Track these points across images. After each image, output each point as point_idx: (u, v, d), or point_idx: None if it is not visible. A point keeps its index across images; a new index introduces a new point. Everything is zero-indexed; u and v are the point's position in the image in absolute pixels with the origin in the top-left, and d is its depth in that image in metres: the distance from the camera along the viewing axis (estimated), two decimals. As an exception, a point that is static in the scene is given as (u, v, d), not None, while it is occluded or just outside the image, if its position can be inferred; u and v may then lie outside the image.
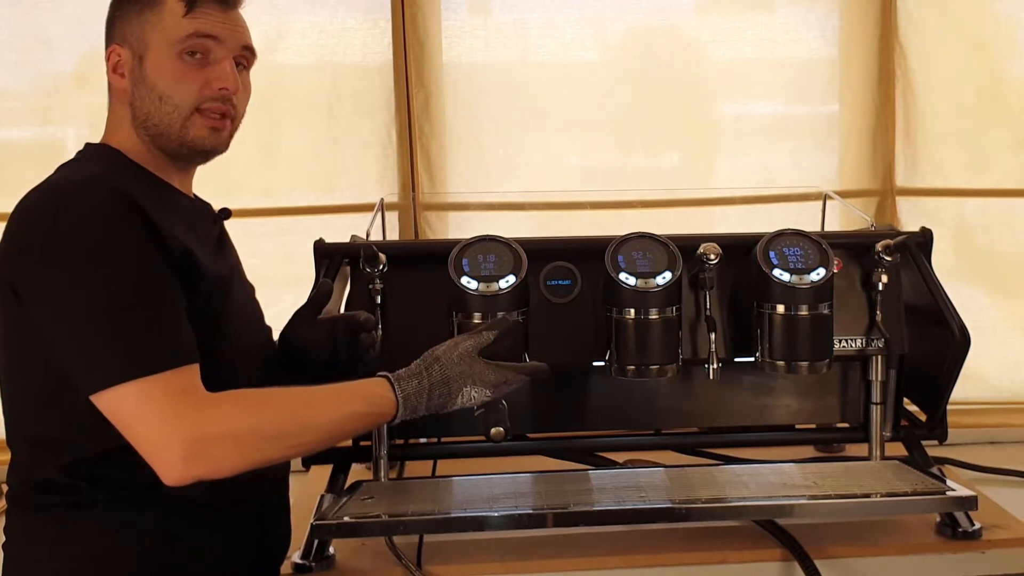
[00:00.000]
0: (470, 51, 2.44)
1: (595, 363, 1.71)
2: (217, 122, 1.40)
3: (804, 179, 2.46)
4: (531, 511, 1.56)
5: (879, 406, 1.79)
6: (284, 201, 2.42)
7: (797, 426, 1.93)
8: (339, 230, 1.91)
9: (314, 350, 1.56)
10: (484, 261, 1.61)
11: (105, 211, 1.26)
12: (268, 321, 1.59)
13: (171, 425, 1.22)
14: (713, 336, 1.67)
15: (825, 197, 2.17)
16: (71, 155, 1.44)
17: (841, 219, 2.35)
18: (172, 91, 1.38)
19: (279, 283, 2.08)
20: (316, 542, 1.57)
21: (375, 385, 1.37)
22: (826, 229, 2.10)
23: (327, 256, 1.75)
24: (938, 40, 2.45)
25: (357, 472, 1.75)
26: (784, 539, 1.59)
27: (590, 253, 1.68)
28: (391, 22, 2.39)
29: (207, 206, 1.54)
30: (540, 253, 1.71)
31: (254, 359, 1.50)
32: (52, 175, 1.37)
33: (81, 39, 2.26)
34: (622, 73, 2.50)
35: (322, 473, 1.73)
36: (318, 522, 1.53)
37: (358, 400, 1.36)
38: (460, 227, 2.44)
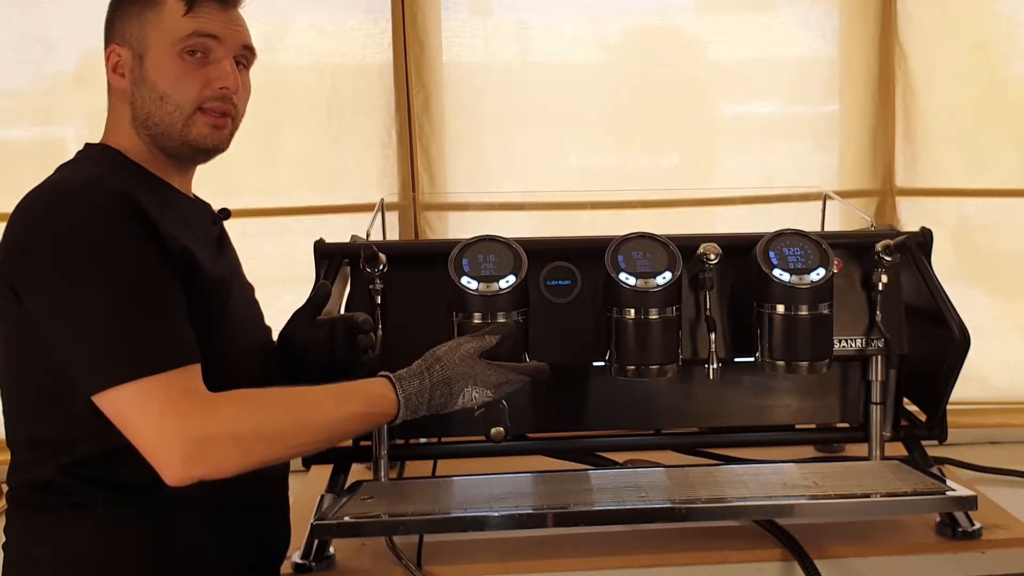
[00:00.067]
0: (470, 51, 2.44)
1: (595, 363, 1.71)
2: (219, 119, 1.41)
3: (804, 179, 2.46)
4: (531, 511, 1.56)
5: (879, 406, 1.79)
6: (284, 201, 2.42)
7: (797, 426, 1.93)
8: (339, 230, 1.91)
9: (313, 350, 1.56)
10: (484, 261, 1.61)
11: (105, 211, 1.26)
12: (268, 321, 1.59)
13: (172, 425, 1.22)
14: (713, 336, 1.67)
15: (825, 197, 2.17)
16: (71, 155, 1.44)
17: (841, 219, 2.35)
18: (173, 91, 1.38)
19: (279, 283, 2.08)
20: (316, 542, 1.57)
21: (376, 385, 1.37)
22: (826, 229, 2.10)
23: (327, 256, 1.75)
24: (938, 40, 2.45)
25: (357, 472, 1.75)
26: (784, 539, 1.59)
27: (590, 253, 1.68)
28: (391, 22, 2.39)
29: (207, 206, 1.55)
30: (540, 253, 1.71)
31: (254, 359, 1.50)
32: (52, 175, 1.37)
33: (81, 39, 2.25)
34: (622, 73, 2.50)
35: (322, 473, 1.73)
36: (318, 522, 1.53)
37: (359, 400, 1.36)
38: (460, 227, 2.44)
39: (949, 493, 1.61)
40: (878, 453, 1.80)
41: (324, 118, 2.42)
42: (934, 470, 1.72)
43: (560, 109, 2.47)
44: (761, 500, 1.60)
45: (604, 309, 1.66)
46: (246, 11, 1.45)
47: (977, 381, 2.37)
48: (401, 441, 1.79)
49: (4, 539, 1.39)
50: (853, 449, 1.99)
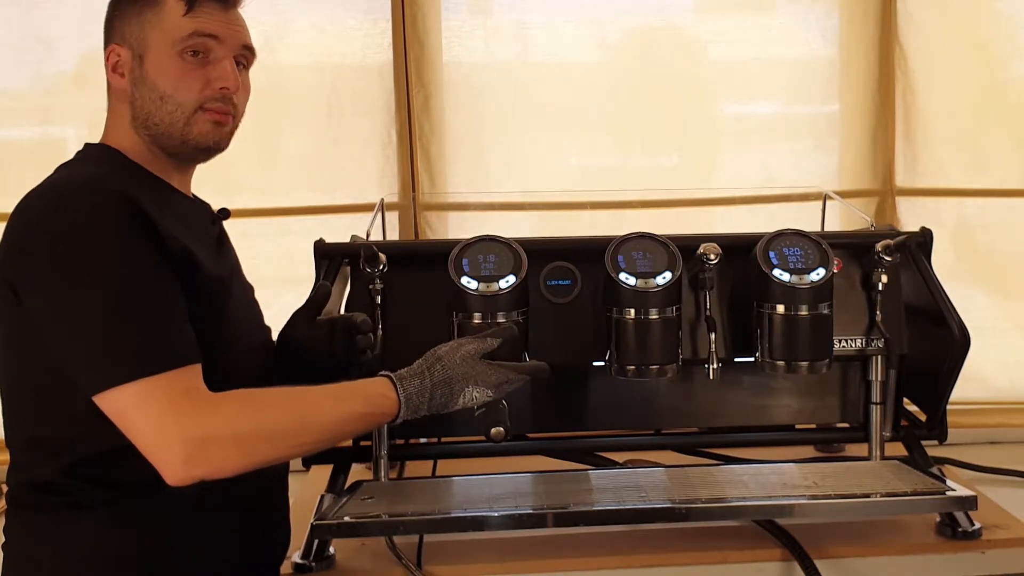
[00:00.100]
0: (470, 51, 2.44)
1: (595, 363, 1.71)
2: (219, 117, 1.41)
3: (804, 179, 2.46)
4: (531, 511, 1.56)
5: (879, 406, 1.79)
6: (284, 201, 2.42)
7: (797, 426, 1.93)
8: (339, 230, 1.91)
9: (313, 351, 1.56)
10: (484, 261, 1.61)
11: (105, 212, 1.26)
12: (268, 321, 1.59)
13: (173, 425, 1.22)
14: (713, 336, 1.67)
15: (825, 197, 2.17)
16: (71, 155, 1.44)
17: (841, 219, 2.35)
18: (173, 90, 1.38)
19: (279, 283, 2.08)
20: (316, 542, 1.57)
21: (377, 385, 1.37)
22: (826, 229, 2.10)
23: (327, 256, 1.75)
24: (938, 40, 2.45)
25: (357, 472, 1.75)
26: (784, 539, 1.59)
27: (590, 253, 1.68)
28: (391, 22, 2.39)
29: (206, 206, 1.55)
30: (540, 253, 1.71)
31: (254, 359, 1.50)
32: (51, 175, 1.37)
33: (81, 39, 2.25)
34: (622, 73, 2.50)
35: (322, 473, 1.73)
36: (318, 522, 1.53)
37: (360, 400, 1.36)
38: (460, 227, 2.44)
39: (949, 493, 1.61)
40: (878, 453, 1.80)
41: (324, 118, 2.42)
42: (934, 470, 1.72)
43: (560, 109, 2.47)
44: (761, 500, 1.60)
45: (604, 309, 1.66)
46: (246, 11, 1.44)
47: (977, 381, 2.37)
48: (401, 441, 1.79)
49: (4, 539, 1.39)
50: (853, 449, 1.99)
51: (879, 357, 1.78)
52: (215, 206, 1.56)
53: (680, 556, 1.59)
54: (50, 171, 1.39)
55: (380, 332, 1.68)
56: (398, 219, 2.43)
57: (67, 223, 1.25)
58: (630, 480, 1.69)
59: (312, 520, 1.54)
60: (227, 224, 1.57)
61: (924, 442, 1.81)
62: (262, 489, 1.47)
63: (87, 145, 1.45)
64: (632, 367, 1.64)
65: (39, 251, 1.26)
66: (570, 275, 1.74)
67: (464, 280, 1.58)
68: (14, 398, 1.36)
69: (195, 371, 1.26)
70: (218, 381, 1.28)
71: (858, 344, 1.75)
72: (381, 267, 1.69)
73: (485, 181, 2.45)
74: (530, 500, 1.61)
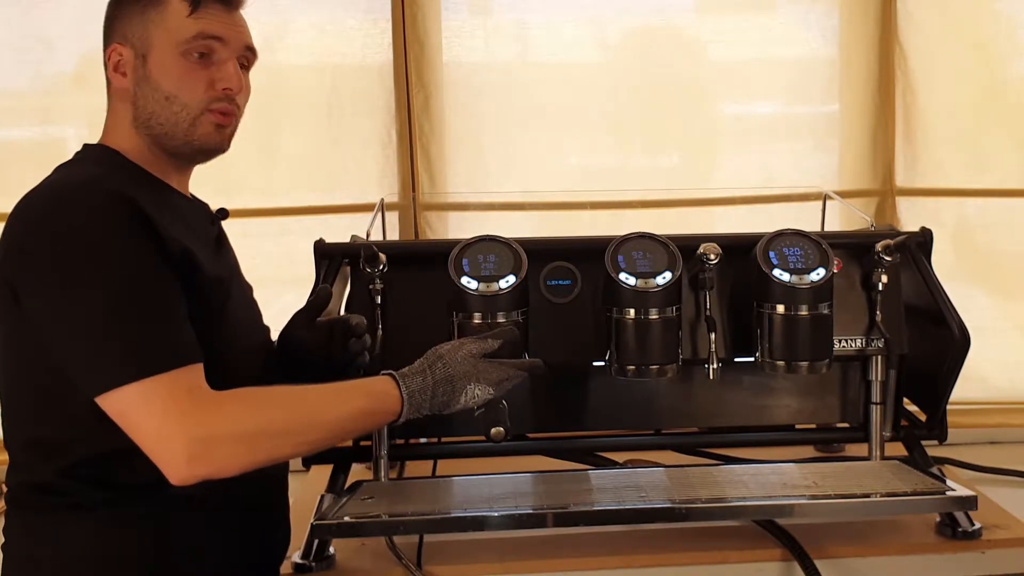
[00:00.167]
0: (470, 51, 2.44)
1: (595, 363, 1.71)
2: (223, 119, 1.41)
3: (804, 179, 2.46)
4: (531, 511, 1.56)
5: (879, 406, 1.79)
6: (284, 201, 2.42)
7: (797, 426, 1.93)
8: (339, 230, 1.91)
9: (312, 351, 1.56)
10: (484, 261, 1.61)
11: (104, 212, 1.26)
12: (268, 321, 1.59)
13: (176, 424, 1.22)
14: (713, 336, 1.67)
15: (825, 197, 2.17)
16: (71, 155, 1.44)
17: (841, 219, 2.35)
18: (178, 91, 1.38)
19: (279, 283, 2.08)
20: (316, 542, 1.57)
21: (380, 383, 1.37)
22: (826, 229, 2.10)
23: (327, 256, 1.75)
24: (938, 40, 2.45)
25: (357, 472, 1.75)
26: (784, 539, 1.59)
27: (590, 253, 1.68)
28: (391, 22, 2.39)
29: (205, 206, 1.55)
30: (540, 253, 1.71)
31: (254, 359, 1.50)
32: (50, 176, 1.37)
33: (81, 39, 2.24)
34: (622, 73, 2.50)
35: (322, 473, 1.73)
36: (318, 522, 1.53)
37: (363, 397, 1.36)
38: (460, 227, 2.44)
39: (949, 493, 1.60)
40: (878, 453, 1.80)
41: (324, 118, 2.42)
42: (934, 470, 1.72)
43: (560, 109, 2.47)
44: (761, 500, 1.60)
45: (604, 309, 1.66)
46: (246, 11, 1.45)
47: (977, 381, 2.37)
48: (401, 441, 1.79)
49: (4, 539, 1.39)
50: (853, 449, 1.99)
51: (879, 357, 1.77)
52: (215, 206, 1.56)
53: (680, 556, 1.58)
54: (50, 171, 1.39)
55: (380, 332, 1.68)
56: (398, 219, 2.43)
57: (66, 223, 1.25)
58: (630, 480, 1.69)
59: (312, 520, 1.54)
60: (227, 224, 1.57)
61: (924, 442, 1.81)
62: (262, 489, 1.47)
63: (86, 146, 1.45)
64: (632, 367, 1.64)
65: (38, 251, 1.26)
66: (570, 275, 1.74)
67: (464, 280, 1.59)
68: (13, 399, 1.36)
69: (197, 370, 1.26)
70: (218, 381, 1.28)
71: (858, 344, 1.75)
72: (381, 267, 1.69)
73: (485, 181, 2.45)
74: (530, 500, 1.61)
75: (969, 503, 1.60)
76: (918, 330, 1.78)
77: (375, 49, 2.42)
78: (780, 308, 1.64)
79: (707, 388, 1.82)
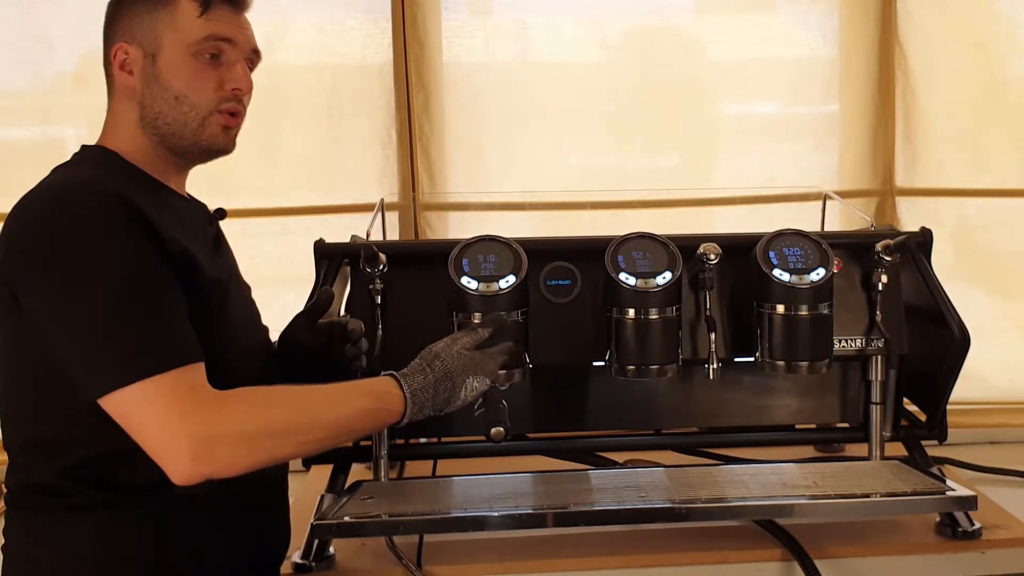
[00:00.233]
0: (470, 51, 2.44)
1: (595, 363, 1.71)
2: (231, 120, 1.42)
3: (804, 179, 2.46)
4: (531, 511, 1.56)
5: (879, 406, 1.79)
6: (284, 201, 2.42)
7: (797, 426, 1.93)
8: (339, 230, 1.91)
9: (313, 353, 1.57)
10: (484, 261, 1.61)
11: (103, 213, 1.26)
12: (268, 321, 1.59)
13: (179, 424, 1.22)
14: (713, 336, 1.67)
15: (825, 197, 2.17)
16: (71, 155, 1.44)
17: (841, 219, 2.35)
18: (189, 91, 1.38)
19: (279, 283, 2.09)
20: (316, 542, 1.57)
21: (382, 383, 1.38)
22: (826, 229, 2.10)
23: (327, 256, 1.75)
24: (938, 40, 2.45)
25: (357, 472, 1.75)
26: (784, 539, 1.59)
27: (590, 253, 1.68)
28: (391, 22, 2.39)
29: (203, 206, 1.55)
30: (540, 253, 1.71)
31: (253, 359, 1.50)
32: (47, 177, 1.37)
33: (81, 39, 2.24)
34: (622, 73, 2.50)
35: (322, 473, 1.73)
36: (318, 522, 1.53)
37: (366, 396, 1.36)
38: (460, 227, 2.44)
39: (949, 493, 1.61)
40: (878, 453, 1.80)
41: (324, 118, 2.42)
42: (934, 470, 1.72)
43: (560, 109, 2.47)
44: (761, 500, 1.60)
45: (604, 309, 1.66)
46: (247, 11, 1.45)
47: (977, 381, 2.37)
48: (401, 441, 1.79)
49: (4, 540, 1.39)
50: (853, 449, 1.99)
51: (879, 357, 1.77)
52: (214, 206, 1.56)
53: (680, 556, 1.59)
54: (49, 171, 1.39)
55: (380, 332, 1.68)
56: (398, 219, 2.43)
57: (65, 224, 1.25)
58: (630, 480, 1.69)
59: (312, 520, 1.54)
60: (227, 224, 1.57)
61: (924, 442, 1.81)
62: (262, 489, 1.47)
63: (83, 147, 1.45)
64: (632, 367, 1.64)
65: (37, 252, 1.26)
66: (570, 275, 1.74)
67: (464, 280, 1.59)
68: (13, 399, 1.36)
69: (199, 369, 1.26)
70: (218, 381, 1.27)
71: (858, 344, 1.75)
72: (381, 267, 1.69)
73: (485, 181, 2.45)
74: (530, 500, 1.61)
75: (969, 503, 1.60)
76: (918, 330, 1.78)
77: (375, 49, 2.42)
78: (780, 308, 1.64)
79: (707, 388, 1.82)
